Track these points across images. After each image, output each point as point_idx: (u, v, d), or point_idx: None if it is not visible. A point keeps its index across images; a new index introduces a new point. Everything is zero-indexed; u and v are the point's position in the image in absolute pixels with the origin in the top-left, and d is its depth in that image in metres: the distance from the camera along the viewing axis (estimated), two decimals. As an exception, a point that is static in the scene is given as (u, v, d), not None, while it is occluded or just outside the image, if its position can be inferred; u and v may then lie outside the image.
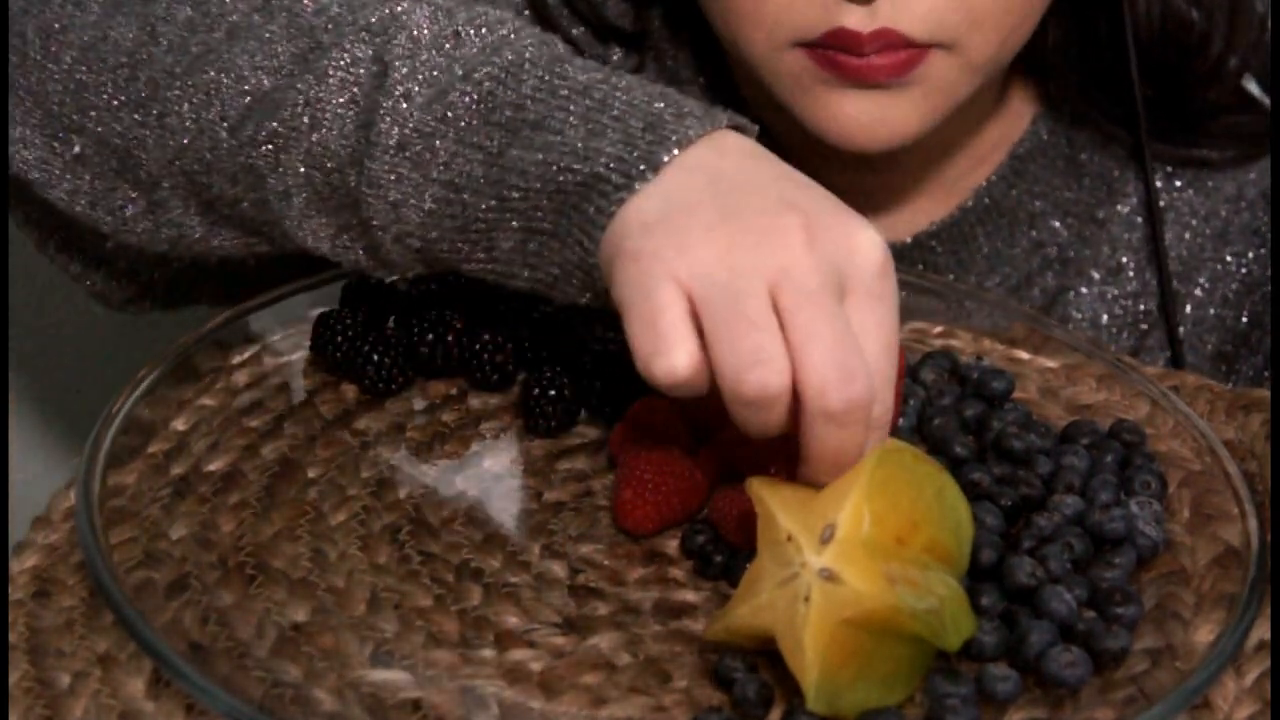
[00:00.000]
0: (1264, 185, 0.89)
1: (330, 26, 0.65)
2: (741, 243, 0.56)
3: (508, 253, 0.63)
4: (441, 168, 0.62)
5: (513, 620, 0.58)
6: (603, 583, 0.60)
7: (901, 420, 0.67)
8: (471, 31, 0.64)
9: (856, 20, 0.74)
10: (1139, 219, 0.89)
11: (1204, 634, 0.57)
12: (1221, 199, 0.89)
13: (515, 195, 0.61)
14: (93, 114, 0.69)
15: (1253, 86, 0.88)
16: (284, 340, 0.71)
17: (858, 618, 0.52)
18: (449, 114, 0.62)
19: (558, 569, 0.60)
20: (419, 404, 0.68)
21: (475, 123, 0.62)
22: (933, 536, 0.55)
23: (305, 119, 0.64)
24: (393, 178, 0.63)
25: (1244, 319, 0.89)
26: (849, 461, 0.55)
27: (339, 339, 0.68)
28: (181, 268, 0.80)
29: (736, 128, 0.61)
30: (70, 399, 1.15)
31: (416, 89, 0.63)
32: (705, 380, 0.55)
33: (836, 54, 0.76)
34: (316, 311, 0.70)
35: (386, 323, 0.72)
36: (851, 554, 0.53)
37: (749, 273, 0.56)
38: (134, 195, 0.70)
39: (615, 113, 0.61)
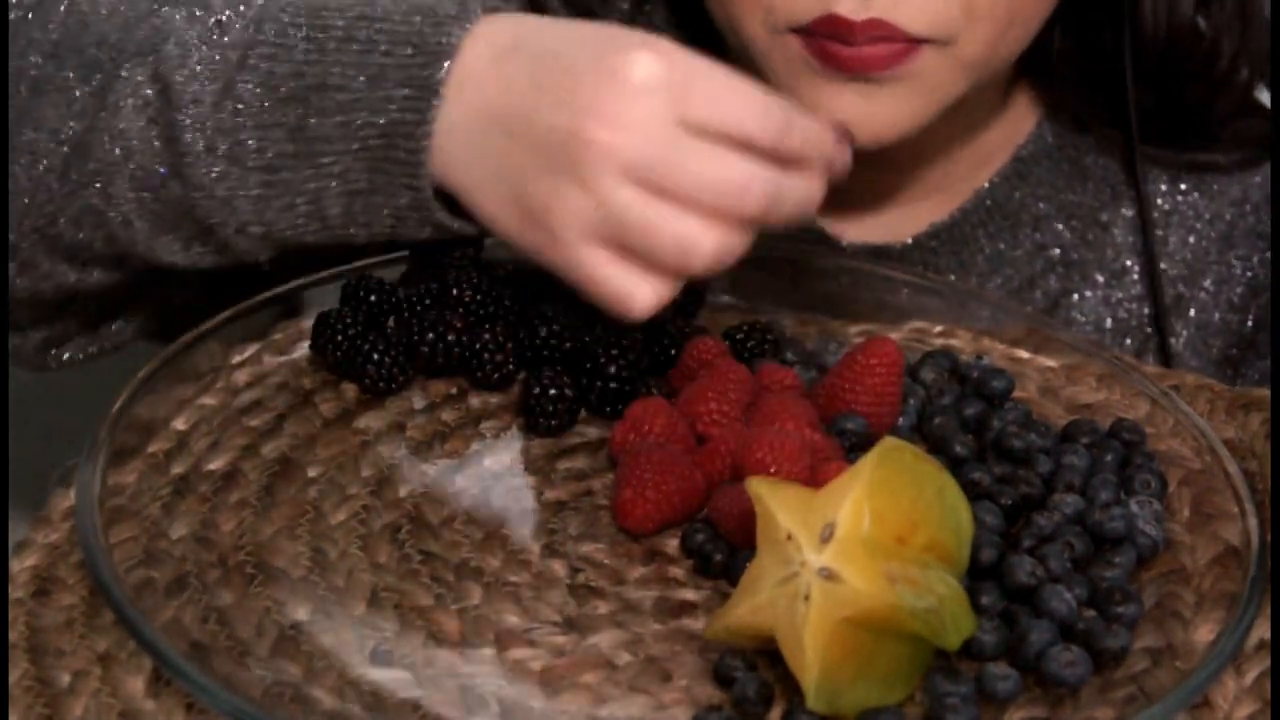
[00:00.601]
0: (1269, 189, 0.88)
1: (110, 56, 0.69)
2: (579, 169, 0.62)
3: (338, 217, 0.68)
4: (254, 155, 0.66)
5: (513, 620, 0.57)
6: (603, 582, 0.60)
7: (901, 420, 0.67)
8: (230, 14, 0.68)
9: (849, 8, 0.74)
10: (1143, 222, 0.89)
11: (1204, 633, 0.57)
12: (1226, 202, 0.89)
13: (327, 160, 0.66)
14: None
15: (1260, 90, 0.88)
16: (284, 340, 0.71)
17: (857, 616, 0.52)
18: (239, 105, 0.66)
19: (558, 568, 0.60)
20: (419, 403, 0.68)
21: (267, 104, 0.66)
22: (933, 536, 0.55)
23: (117, 151, 0.68)
24: (214, 176, 0.67)
25: (1249, 323, 0.89)
26: (823, 145, 0.65)
27: (339, 339, 0.68)
28: (85, 307, 0.81)
29: (492, 10, 0.66)
30: (70, 399, 1.15)
31: (202, 90, 0.67)
32: (669, 293, 0.64)
33: (829, 42, 0.75)
34: (316, 311, 0.70)
35: (386, 323, 0.72)
36: (851, 553, 0.53)
37: (612, 189, 0.62)
38: (7, 260, 0.73)
39: (383, 47, 0.65)
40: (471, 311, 0.71)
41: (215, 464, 0.64)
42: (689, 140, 0.62)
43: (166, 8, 0.69)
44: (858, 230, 0.88)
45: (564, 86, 0.63)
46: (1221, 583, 0.59)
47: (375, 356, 0.68)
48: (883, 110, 0.78)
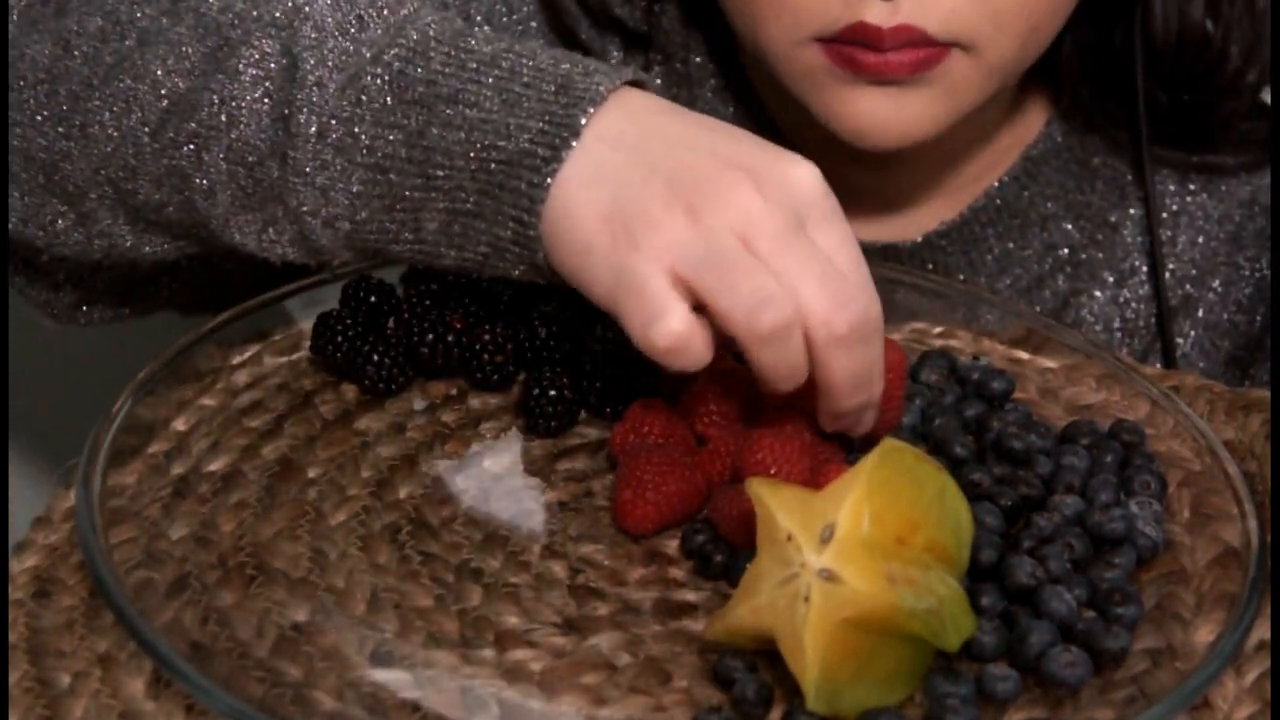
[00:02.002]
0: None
1: (237, 23, 0.67)
2: (700, 206, 0.59)
3: (433, 234, 0.64)
4: (365, 150, 0.64)
5: (513, 620, 0.58)
6: (603, 583, 0.60)
7: (903, 419, 0.67)
8: (374, 14, 0.66)
9: (877, 15, 0.74)
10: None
11: (1204, 634, 0.57)
12: (1235, 203, 0.89)
13: (440, 174, 0.63)
14: (17, 131, 0.70)
15: (1267, 93, 0.88)
16: (284, 340, 0.71)
17: (857, 617, 0.52)
18: (363, 97, 0.64)
19: (558, 569, 0.60)
20: (419, 404, 0.68)
21: (390, 102, 0.64)
22: (933, 536, 0.55)
23: (223, 117, 0.66)
24: (318, 164, 0.64)
25: (1257, 324, 0.89)
26: (871, 378, 0.61)
27: (339, 339, 0.68)
28: (122, 273, 0.80)
29: (637, 83, 0.64)
30: (70, 399, 1.15)
31: (328, 76, 0.65)
32: (704, 342, 0.59)
33: (855, 49, 0.75)
34: (316, 311, 0.70)
35: (386, 323, 0.72)
36: (851, 554, 0.53)
37: (721, 231, 0.59)
38: (63, 209, 0.72)
39: (525, 79, 0.63)
40: (471, 312, 0.71)
41: (215, 465, 0.64)
42: (809, 239, 0.60)
43: None
44: (867, 229, 0.88)
45: (722, 145, 0.61)
46: (1221, 584, 0.59)
47: (375, 357, 0.68)
48: (907, 114, 0.78)
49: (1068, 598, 0.56)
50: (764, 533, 0.55)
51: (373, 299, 0.71)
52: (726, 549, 0.60)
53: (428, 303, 0.71)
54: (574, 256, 0.61)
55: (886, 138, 0.78)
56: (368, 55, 0.65)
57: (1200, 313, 0.89)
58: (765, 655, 0.55)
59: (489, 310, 0.71)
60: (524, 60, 0.64)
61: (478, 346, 0.69)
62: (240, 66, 0.66)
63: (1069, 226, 0.89)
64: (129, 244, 0.72)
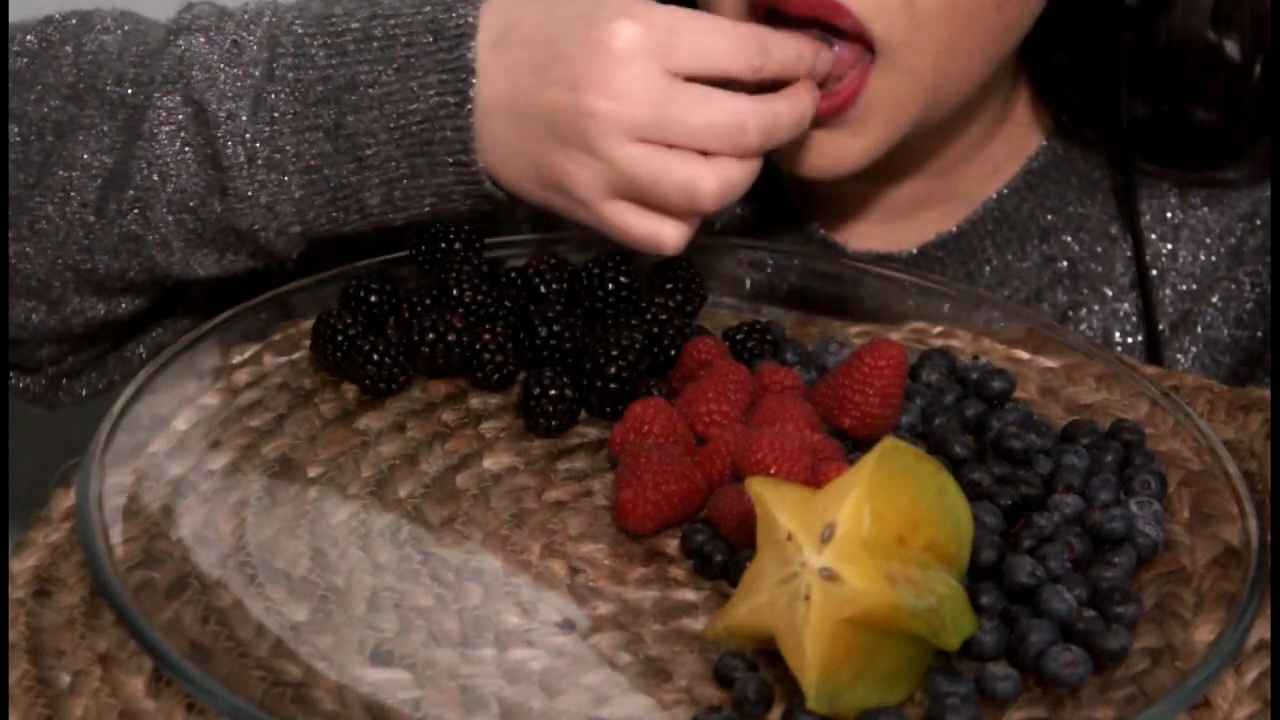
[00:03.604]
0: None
1: (135, 90, 0.73)
2: (589, 144, 0.68)
3: (378, 206, 0.72)
4: (295, 159, 0.71)
5: (513, 620, 0.57)
6: (603, 582, 0.60)
7: (902, 419, 0.67)
8: (245, 35, 0.73)
9: None
10: (1152, 236, 0.88)
11: (1204, 633, 0.57)
12: (1236, 217, 0.88)
13: (369, 154, 0.71)
14: None
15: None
16: (284, 340, 0.71)
17: (858, 617, 0.52)
18: (274, 114, 0.71)
19: (558, 568, 0.60)
20: (419, 404, 0.68)
21: (299, 109, 0.71)
22: (933, 536, 0.55)
23: (155, 176, 0.72)
24: (256, 185, 0.71)
25: (1258, 339, 0.88)
26: (797, 119, 0.71)
27: (339, 339, 0.68)
28: (103, 335, 0.83)
29: None
30: (70, 399, 1.15)
31: (235, 106, 0.71)
32: (692, 229, 0.71)
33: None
34: (316, 312, 0.70)
35: (386, 323, 0.72)
36: (851, 553, 0.53)
37: (616, 152, 0.68)
38: (32, 305, 0.78)
39: (404, 40, 0.70)
40: (471, 312, 0.71)
41: (215, 464, 0.64)
42: (679, 90, 0.68)
43: (182, 38, 0.73)
44: (863, 240, 0.88)
45: (558, 66, 0.68)
46: (1221, 583, 0.59)
47: (375, 357, 0.68)
48: (831, 148, 0.78)
49: (1067, 597, 0.56)
50: (764, 532, 0.55)
51: (373, 299, 0.71)
52: (726, 549, 0.60)
53: (428, 303, 0.71)
54: (514, 194, 0.72)
55: (815, 170, 0.79)
56: (259, 74, 0.71)
57: (1200, 328, 0.88)
58: (765, 655, 0.55)
59: (489, 310, 0.71)
60: (391, 20, 0.71)
61: (478, 346, 0.69)
62: (153, 129, 0.72)
63: (1068, 239, 0.88)
64: (103, 312, 0.78)
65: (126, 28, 0.76)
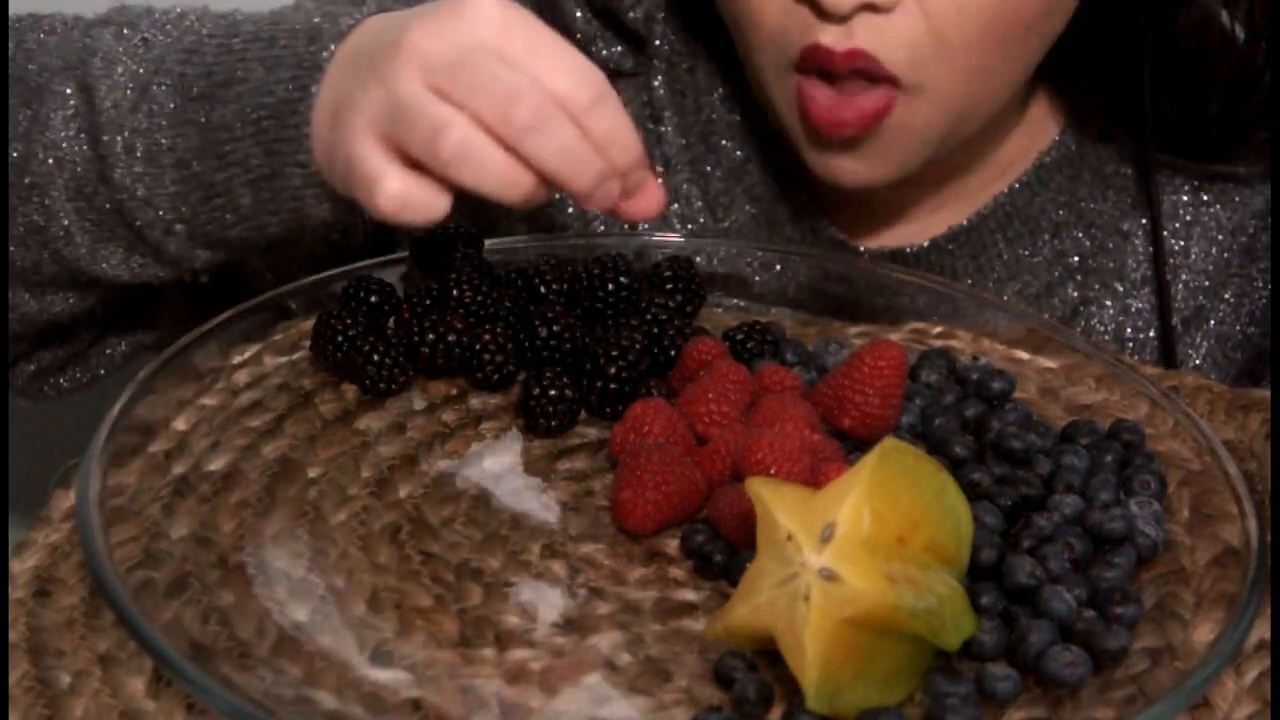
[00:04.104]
0: None
1: (39, 74, 0.74)
2: (383, 72, 0.63)
3: (250, 208, 0.71)
4: (168, 152, 0.70)
5: (513, 620, 0.57)
6: (603, 583, 0.60)
7: (902, 419, 0.67)
8: (158, 33, 0.73)
9: (832, 38, 0.75)
10: (1165, 232, 0.88)
11: (1204, 633, 0.57)
12: (1249, 214, 0.88)
13: (229, 149, 0.69)
14: None
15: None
16: (284, 340, 0.71)
17: (858, 617, 0.52)
18: (154, 106, 0.70)
19: (558, 569, 0.60)
20: (419, 404, 0.68)
21: (179, 103, 0.70)
22: (933, 536, 0.55)
23: (50, 161, 0.72)
24: (133, 176, 0.71)
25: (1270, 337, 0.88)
26: (622, 134, 0.64)
27: (339, 339, 0.68)
28: (64, 333, 0.84)
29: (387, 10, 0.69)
30: (70, 399, 1.15)
31: (122, 97, 0.71)
32: (426, 193, 0.63)
33: (809, 104, 0.77)
34: (316, 312, 0.70)
35: (386, 323, 0.72)
36: (851, 553, 0.53)
37: (404, 83, 0.62)
38: None
39: (283, 42, 0.69)
40: (471, 312, 0.71)
41: (215, 464, 0.64)
42: (500, 68, 0.63)
43: (97, 29, 0.74)
44: (874, 236, 0.88)
45: (406, 17, 0.65)
46: (1221, 583, 0.59)
47: (375, 357, 0.68)
48: (865, 166, 0.79)
49: (1067, 597, 0.56)
50: (764, 532, 0.55)
51: (373, 299, 0.71)
52: (726, 549, 0.60)
53: (428, 303, 0.71)
54: (327, 168, 0.67)
55: (852, 181, 0.80)
56: (154, 69, 0.71)
57: (1213, 324, 0.88)
58: (765, 655, 0.55)
59: (489, 310, 0.71)
60: (282, 26, 0.70)
61: (478, 346, 0.69)
62: (50, 114, 0.73)
63: (1080, 234, 0.88)
64: (35, 308, 0.78)
65: (67, 25, 0.77)
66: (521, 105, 0.62)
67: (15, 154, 0.73)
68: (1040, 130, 0.89)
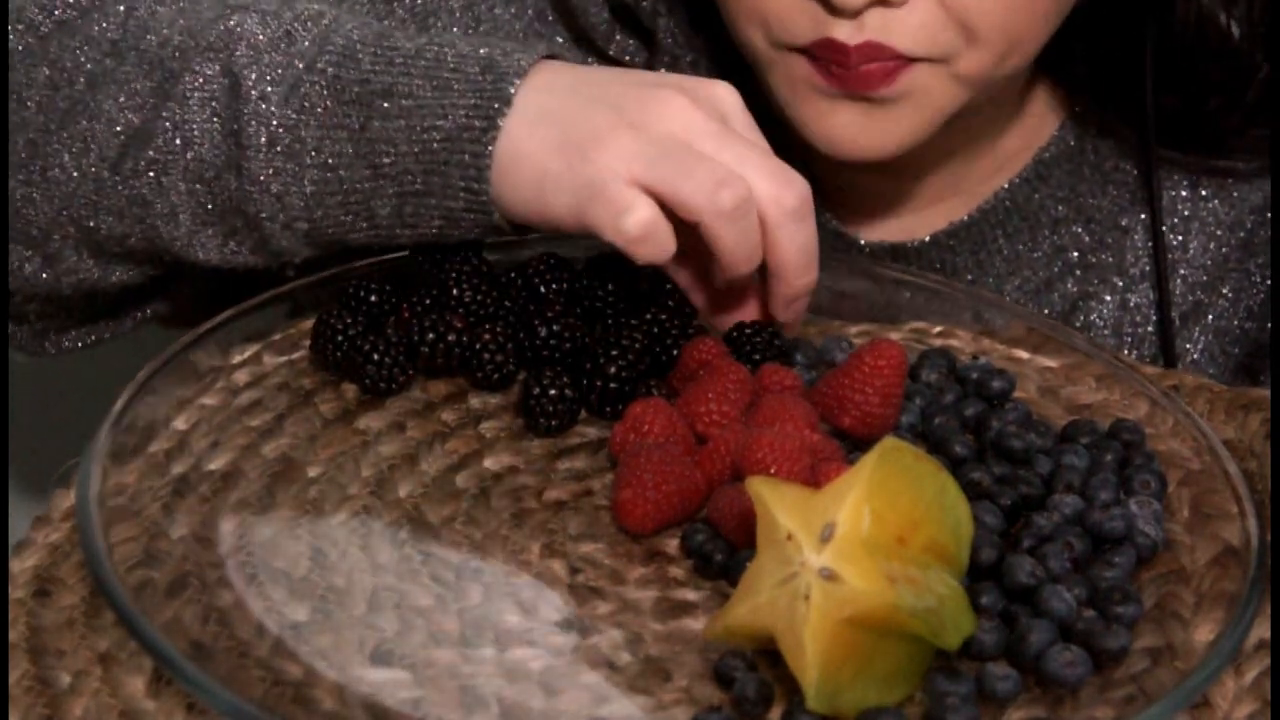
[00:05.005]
0: None
1: (177, 55, 0.72)
2: (642, 119, 0.66)
3: (387, 218, 0.71)
4: (313, 153, 0.70)
5: (513, 620, 0.57)
6: (603, 582, 0.60)
7: (902, 419, 0.67)
8: (300, 28, 0.72)
9: (844, 33, 0.75)
10: (1164, 228, 0.88)
11: (1204, 633, 0.57)
12: (1248, 209, 0.88)
13: (386, 161, 0.69)
14: None
15: None
16: (284, 340, 0.71)
17: (857, 616, 0.52)
18: (305, 104, 0.70)
19: (558, 568, 0.60)
20: (419, 404, 0.68)
21: (331, 105, 0.70)
22: (933, 536, 0.55)
23: (177, 141, 0.71)
24: (270, 171, 0.70)
25: (1268, 331, 0.88)
26: (814, 254, 0.69)
27: (339, 339, 0.68)
28: (91, 302, 0.83)
29: (553, 57, 0.71)
30: (70, 399, 1.15)
31: (270, 89, 0.70)
32: (668, 231, 0.65)
33: (825, 65, 0.76)
34: (316, 312, 0.70)
35: (386, 323, 0.72)
36: (851, 553, 0.53)
37: (666, 136, 0.66)
38: (28, 254, 0.77)
39: (451, 65, 0.69)
40: (471, 312, 0.71)
41: (215, 464, 0.64)
42: (741, 137, 0.67)
43: (237, 15, 0.73)
44: (876, 229, 0.88)
45: (649, 76, 0.70)
46: (1221, 583, 0.59)
47: (375, 357, 0.68)
48: (879, 128, 0.78)
49: (1067, 597, 0.56)
50: (764, 532, 0.55)
51: (373, 299, 0.71)
52: (726, 549, 0.60)
53: (428, 303, 0.71)
54: (531, 193, 0.67)
55: (858, 151, 0.79)
56: (302, 65, 0.70)
57: (1210, 319, 0.88)
58: (765, 655, 0.55)
59: (489, 310, 0.71)
60: (446, 50, 0.70)
61: (478, 346, 0.69)
62: (186, 93, 0.71)
63: (1079, 230, 0.88)
64: (96, 276, 0.77)
65: (183, 3, 0.75)
66: (724, 186, 0.65)
67: (130, 126, 0.72)
68: (1040, 125, 0.89)
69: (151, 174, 0.72)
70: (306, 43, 0.71)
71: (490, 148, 0.68)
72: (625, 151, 0.66)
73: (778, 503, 0.55)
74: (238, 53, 0.71)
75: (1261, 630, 0.58)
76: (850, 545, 0.53)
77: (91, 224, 0.74)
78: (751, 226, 0.66)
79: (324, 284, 0.73)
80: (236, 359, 0.70)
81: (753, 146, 0.67)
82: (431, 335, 0.69)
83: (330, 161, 0.70)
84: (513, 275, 0.73)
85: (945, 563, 0.55)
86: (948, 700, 0.53)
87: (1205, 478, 0.64)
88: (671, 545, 0.61)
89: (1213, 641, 0.56)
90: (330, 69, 0.70)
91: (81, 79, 0.74)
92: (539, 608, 0.58)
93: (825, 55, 0.76)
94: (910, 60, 0.76)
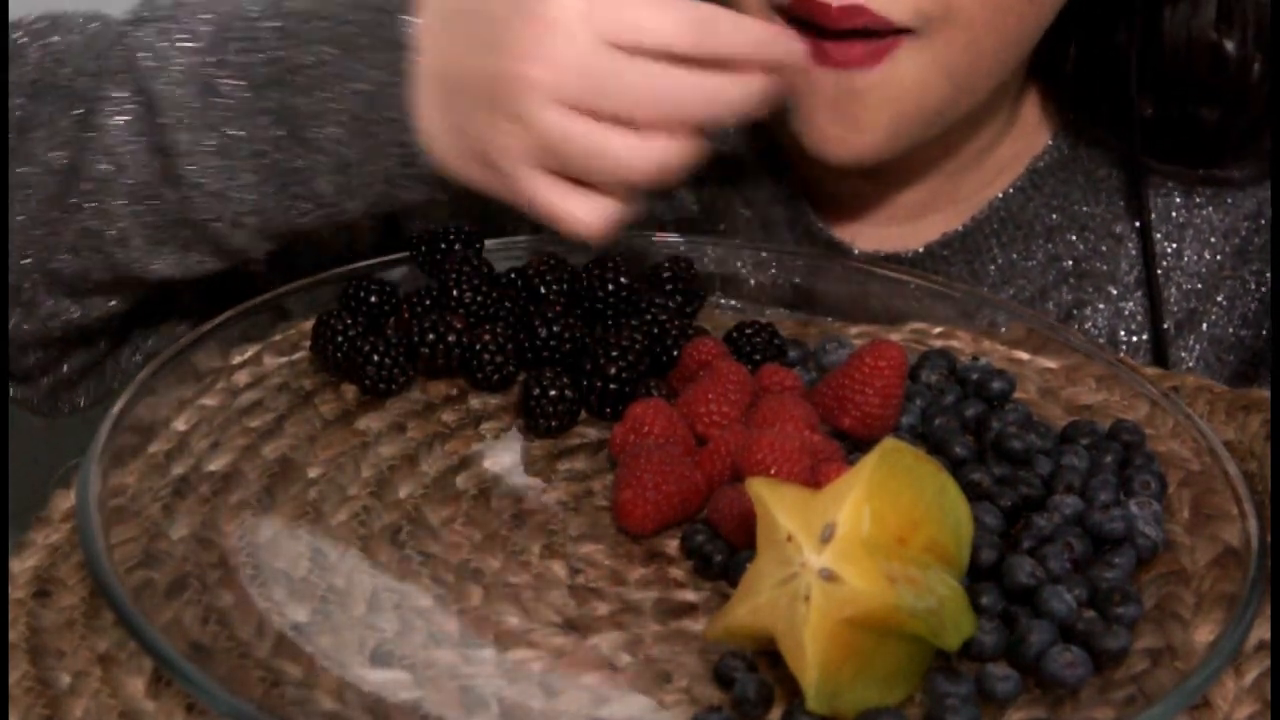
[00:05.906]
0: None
1: (88, 83, 0.72)
2: (518, 111, 0.65)
3: (331, 193, 0.70)
4: (243, 144, 0.70)
5: (513, 620, 0.58)
6: (603, 583, 0.60)
7: (902, 419, 0.67)
8: (198, 24, 0.72)
9: None
10: (1157, 235, 0.87)
11: (1204, 634, 0.57)
12: (1241, 216, 0.88)
13: (311, 135, 0.69)
14: None
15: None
16: (284, 340, 0.71)
17: (858, 617, 0.52)
18: (219, 99, 0.70)
19: (558, 569, 0.60)
20: (419, 404, 0.68)
21: (247, 95, 0.70)
22: (933, 536, 0.55)
23: (109, 167, 0.71)
24: (204, 173, 0.70)
25: (1263, 338, 0.88)
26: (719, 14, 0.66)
27: (339, 339, 0.68)
28: (90, 351, 0.83)
29: None
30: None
31: (183, 93, 0.70)
32: (614, 205, 0.67)
33: (809, 34, 0.75)
34: (316, 312, 0.70)
35: (386, 323, 0.72)
36: (851, 553, 0.53)
37: (542, 119, 0.65)
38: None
39: (348, 16, 0.69)
40: (471, 312, 0.71)
41: (215, 464, 0.64)
42: (614, 60, 0.65)
43: (136, 28, 0.73)
44: (869, 240, 0.88)
45: (489, 33, 0.66)
46: (1221, 584, 0.59)
47: (375, 357, 0.68)
48: (860, 130, 0.77)
49: (1067, 597, 0.56)
50: (764, 533, 0.55)
51: (373, 299, 0.71)
52: (726, 549, 0.60)
53: (427, 303, 0.71)
54: (453, 174, 0.68)
55: (842, 154, 0.78)
56: (209, 60, 0.70)
57: (1205, 327, 0.88)
58: (765, 655, 0.55)
59: (489, 310, 0.71)
60: (333, 5, 0.69)
61: (478, 346, 0.69)
62: (107, 120, 0.72)
63: (1073, 238, 0.88)
64: (77, 315, 0.77)
65: (93, 26, 0.76)
66: (681, 103, 0.65)
67: (61, 163, 0.72)
68: (1033, 135, 0.89)
69: (93, 204, 0.72)
70: (207, 37, 0.71)
71: (407, 97, 0.67)
72: (517, 151, 0.66)
73: (778, 503, 0.55)
74: (144, 65, 0.71)
75: (1261, 631, 0.58)
76: (850, 546, 0.53)
77: (52, 265, 0.75)
78: (686, 88, 0.65)
79: (324, 284, 0.73)
80: (236, 360, 0.70)
81: (619, 86, 0.65)
82: (431, 336, 0.69)
83: (262, 148, 0.70)
84: (513, 275, 0.73)
85: (945, 563, 0.55)
86: (948, 701, 0.53)
87: (1205, 479, 0.64)
88: (671, 546, 0.61)
89: (1213, 642, 0.56)
90: (237, 57, 0.70)
91: (11, 128, 0.74)
92: (539, 608, 0.58)
93: (808, 15, 0.74)
94: (891, 34, 0.74)
